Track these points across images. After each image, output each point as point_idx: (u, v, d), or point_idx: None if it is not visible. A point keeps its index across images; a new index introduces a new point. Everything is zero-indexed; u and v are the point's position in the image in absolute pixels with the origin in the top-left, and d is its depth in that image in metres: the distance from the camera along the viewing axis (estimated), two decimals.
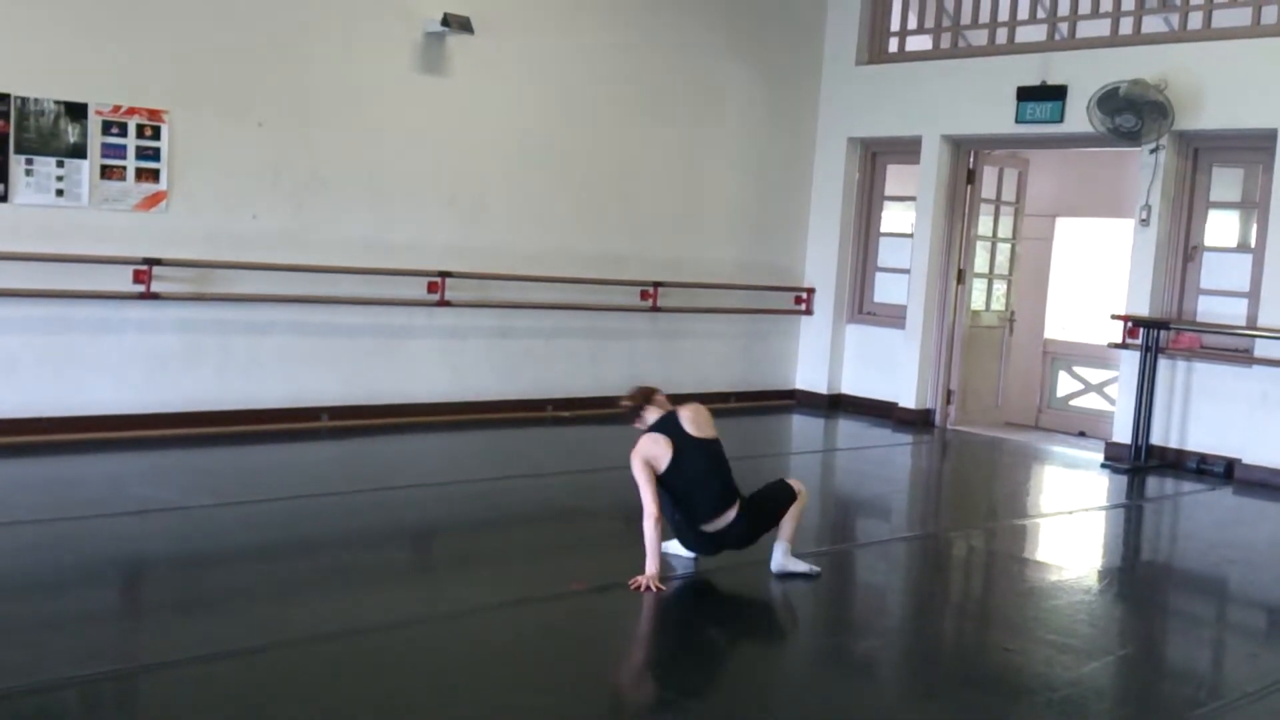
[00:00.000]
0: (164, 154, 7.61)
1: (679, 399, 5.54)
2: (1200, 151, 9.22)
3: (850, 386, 11.28)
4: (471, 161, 9.08)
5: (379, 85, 8.54)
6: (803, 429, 10.50)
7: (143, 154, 7.55)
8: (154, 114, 7.57)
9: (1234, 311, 8.99)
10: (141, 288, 7.53)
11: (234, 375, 8.06)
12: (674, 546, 5.42)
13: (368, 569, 5.38)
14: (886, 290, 11.18)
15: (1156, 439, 9.15)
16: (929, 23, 10.93)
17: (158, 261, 7.57)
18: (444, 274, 8.83)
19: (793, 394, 11.47)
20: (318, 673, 4.09)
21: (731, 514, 5.25)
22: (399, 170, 8.71)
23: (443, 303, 8.86)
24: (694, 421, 5.26)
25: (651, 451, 5.13)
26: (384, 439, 8.33)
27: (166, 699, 3.85)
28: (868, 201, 11.32)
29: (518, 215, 9.38)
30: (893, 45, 11.06)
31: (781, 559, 5.39)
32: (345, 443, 8.11)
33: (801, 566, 5.43)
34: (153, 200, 7.62)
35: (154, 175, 7.60)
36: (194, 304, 7.83)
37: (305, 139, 8.23)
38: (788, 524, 5.41)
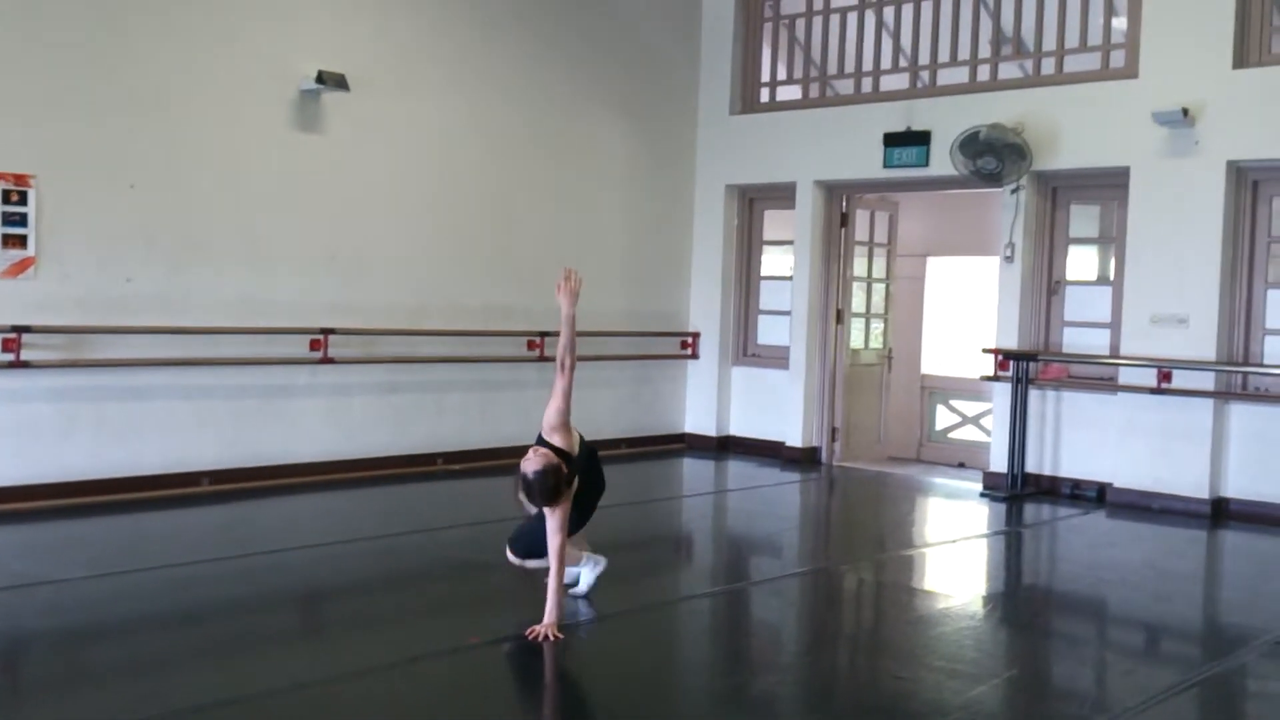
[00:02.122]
0: (31, 219, 7.41)
1: None
2: (1059, 190, 9.66)
3: (738, 428, 11.45)
4: (351, 218, 9.03)
5: (254, 143, 8.45)
6: (693, 471, 10.61)
7: (9, 220, 7.33)
8: (20, 179, 7.37)
9: (1097, 342, 9.40)
10: (11, 356, 7.29)
11: (110, 442, 7.83)
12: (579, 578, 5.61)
13: (258, 635, 5.27)
14: (769, 332, 11.41)
15: (1031, 467, 9.49)
16: (798, 73, 11.28)
17: (27, 329, 7.34)
18: (326, 331, 8.74)
19: (682, 437, 11.59)
20: None
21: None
22: (277, 228, 8.61)
23: (326, 360, 8.76)
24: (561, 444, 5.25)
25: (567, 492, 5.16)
26: (269, 501, 8.16)
27: None
28: (747, 246, 11.56)
29: (400, 270, 9.34)
30: (764, 95, 11.36)
31: (577, 574, 5.62)
32: (228, 506, 7.92)
33: (588, 574, 5.64)
34: (20, 266, 7.40)
35: (21, 241, 7.39)
36: (67, 371, 7.60)
37: (180, 199, 8.09)
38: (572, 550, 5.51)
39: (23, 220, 7.38)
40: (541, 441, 5.19)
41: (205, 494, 8.13)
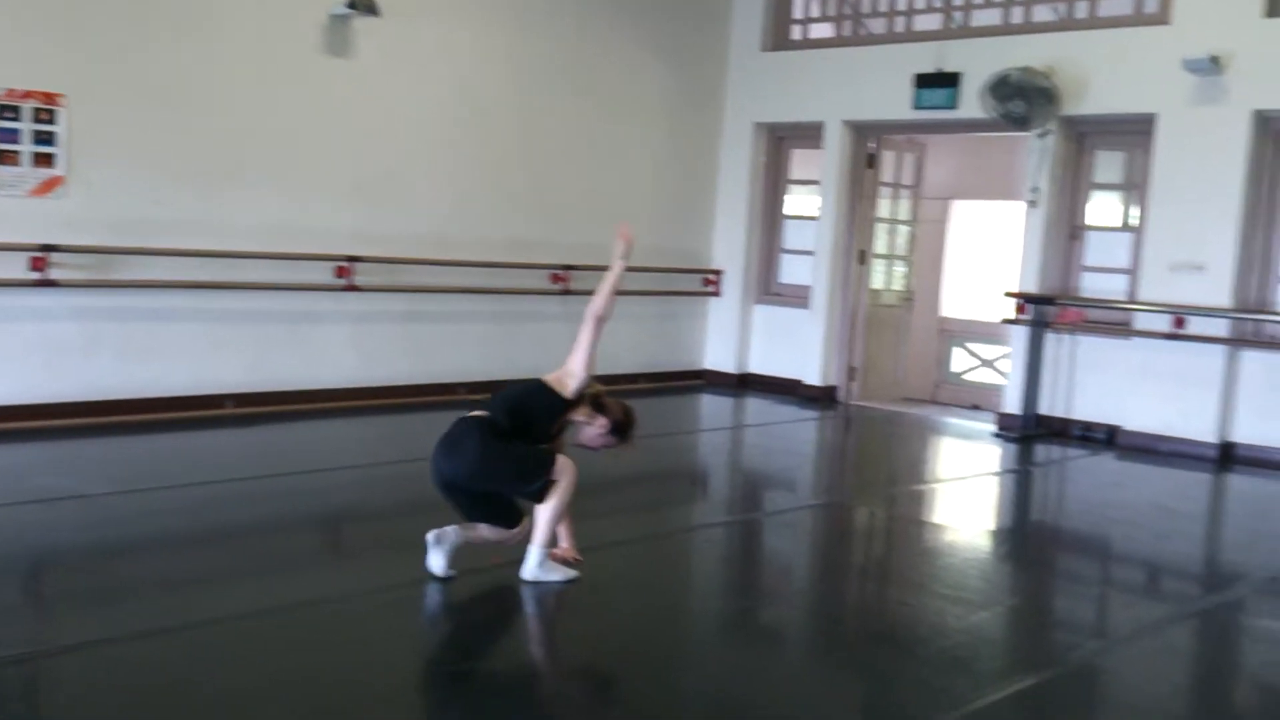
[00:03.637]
0: (61, 138, 7.50)
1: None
2: (1085, 135, 9.65)
3: (758, 365, 11.56)
4: (379, 145, 9.11)
5: (283, 68, 8.51)
6: (712, 407, 10.74)
7: (39, 138, 7.43)
8: (49, 97, 7.46)
9: (1115, 287, 9.45)
10: (38, 275, 7.42)
11: (135, 363, 7.97)
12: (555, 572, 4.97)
13: (280, 553, 5.40)
14: (792, 271, 11.47)
15: (1044, 409, 9.59)
16: (830, 11, 11.23)
17: (55, 248, 7.45)
18: (352, 258, 8.86)
19: (702, 374, 11.71)
20: (238, 649, 4.12)
21: (470, 414, 4.82)
22: (305, 154, 8.70)
23: (351, 287, 8.89)
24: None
25: None
26: (291, 425, 8.31)
27: (82, 680, 3.84)
28: (774, 185, 11.59)
29: (427, 199, 9.43)
30: (796, 33, 11.33)
31: (533, 565, 4.84)
32: (251, 430, 8.08)
33: (557, 575, 4.88)
34: (49, 185, 7.51)
35: (50, 160, 7.49)
36: (93, 291, 7.72)
37: (209, 123, 8.17)
38: (539, 523, 4.82)
39: (51, 139, 7.48)
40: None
41: (228, 416, 8.31)
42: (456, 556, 4.86)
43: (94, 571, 4.98)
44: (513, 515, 4.92)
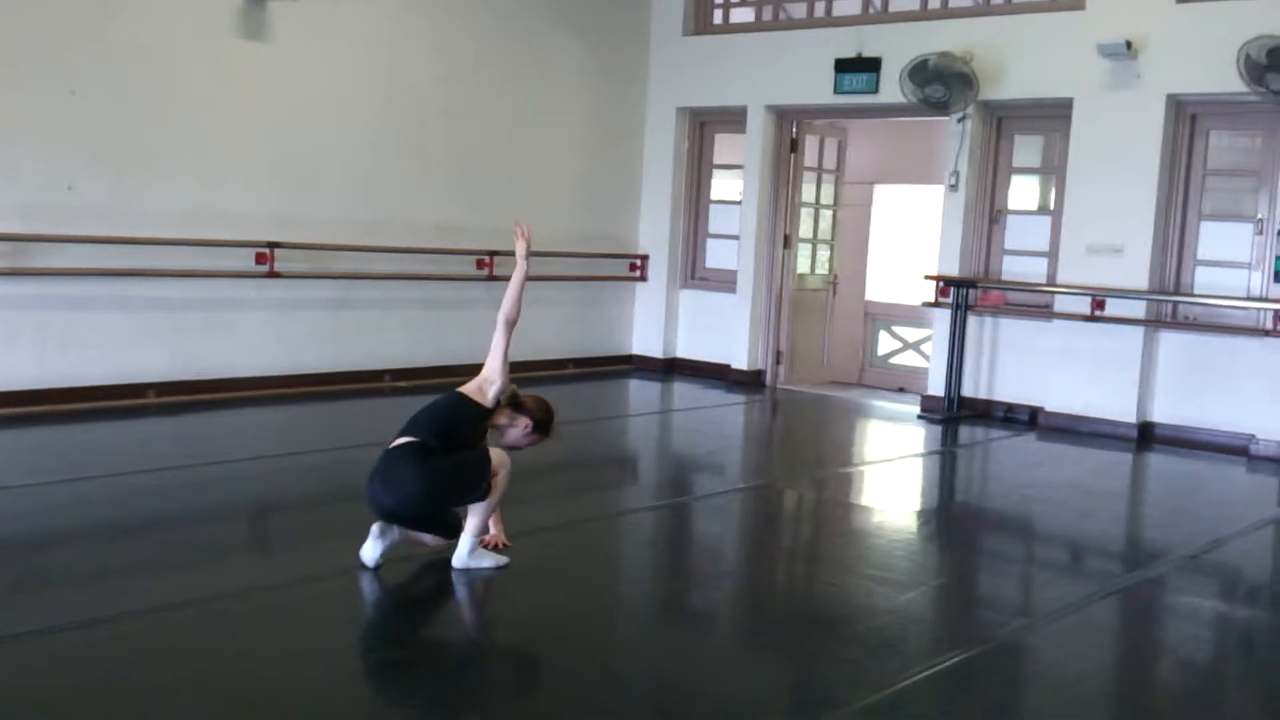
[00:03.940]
0: None
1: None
2: (1003, 120, 9.79)
3: (685, 350, 11.59)
4: (298, 130, 8.95)
5: (198, 51, 8.32)
6: (640, 392, 10.75)
7: None
8: None
9: (1035, 270, 9.61)
10: None
11: (54, 352, 7.79)
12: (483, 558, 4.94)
13: (207, 543, 5.34)
14: (717, 256, 11.51)
15: (967, 391, 9.73)
16: None
17: None
18: (273, 245, 8.70)
19: (629, 359, 11.71)
20: (169, 639, 4.09)
21: (395, 443, 4.78)
22: (223, 139, 8.52)
23: (272, 274, 8.73)
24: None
25: None
26: (214, 414, 8.18)
27: (11, 672, 3.79)
28: (697, 170, 11.61)
29: (349, 185, 9.30)
30: (717, 17, 11.33)
31: (464, 554, 4.83)
32: (174, 419, 7.95)
33: (487, 562, 4.88)
34: None
35: None
36: (9, 279, 7.53)
37: (122, 107, 7.97)
38: (473, 512, 4.85)
39: None
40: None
41: (151, 405, 8.15)
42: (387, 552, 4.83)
43: (18, 563, 4.89)
44: (456, 526, 4.88)
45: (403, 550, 4.89)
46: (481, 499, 4.83)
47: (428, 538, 4.91)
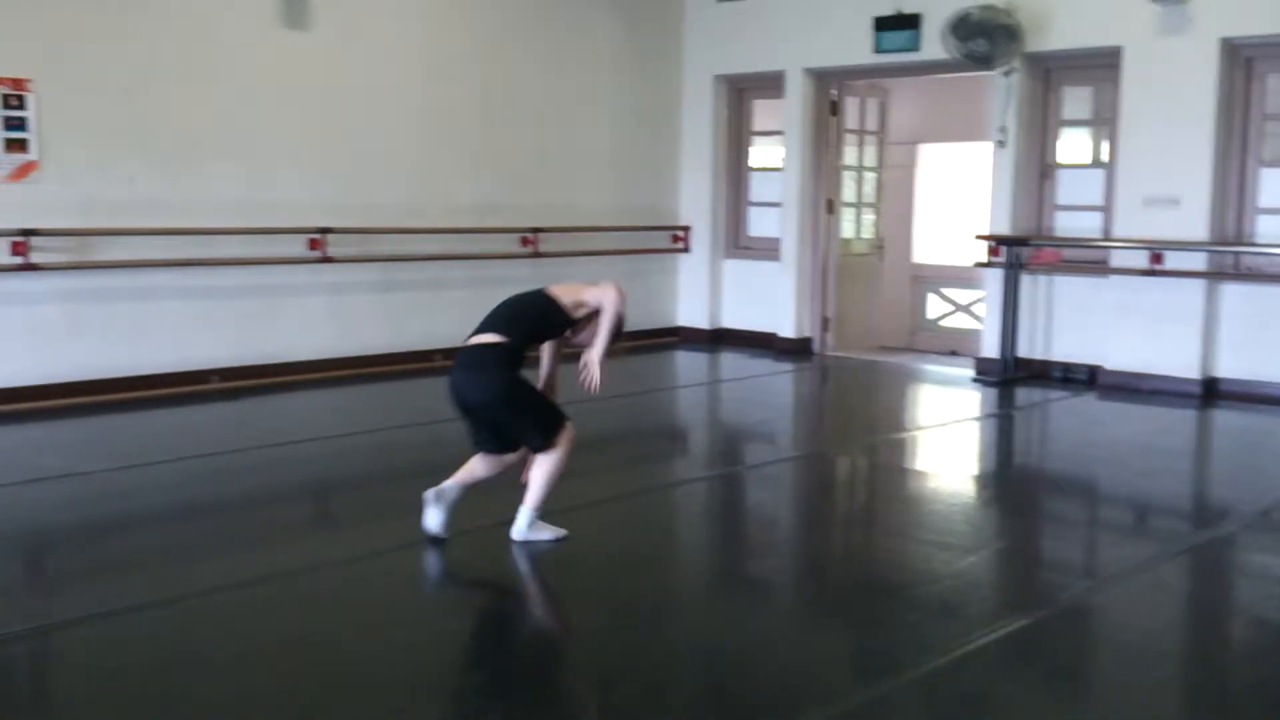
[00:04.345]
0: (32, 123, 7.43)
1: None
2: (1051, 72, 9.60)
3: (731, 320, 11.53)
4: (344, 116, 9.00)
5: (243, 42, 8.40)
6: (687, 364, 10.72)
7: (10, 124, 7.37)
8: (18, 83, 7.38)
9: (1090, 225, 9.44)
10: (20, 259, 7.39)
11: (119, 342, 7.96)
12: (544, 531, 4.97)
13: (271, 523, 5.44)
14: (760, 224, 11.42)
15: (1023, 352, 9.60)
16: None
17: (34, 232, 7.42)
18: (324, 230, 8.77)
19: (676, 330, 11.68)
20: (236, 616, 4.18)
21: (474, 339, 4.80)
22: (271, 128, 8.60)
23: (325, 259, 8.81)
24: (559, 287, 4.99)
25: None
26: (275, 397, 8.29)
27: (85, 651, 3.91)
28: (737, 138, 11.51)
29: (394, 169, 9.34)
30: None
31: (523, 527, 4.86)
32: (237, 403, 8.08)
33: (546, 534, 4.91)
34: (24, 170, 7.45)
35: (23, 145, 7.43)
36: (73, 273, 7.70)
37: (174, 100, 8.09)
38: (533, 485, 4.84)
39: (23, 124, 7.42)
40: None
41: (213, 391, 8.27)
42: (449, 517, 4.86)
43: (92, 547, 5.02)
44: (513, 443, 4.88)
45: (462, 524, 4.91)
46: (541, 448, 4.79)
47: (479, 467, 4.88)
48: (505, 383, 4.71)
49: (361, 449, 6.93)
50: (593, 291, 4.87)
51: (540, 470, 4.82)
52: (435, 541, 4.84)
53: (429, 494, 4.85)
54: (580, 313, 4.86)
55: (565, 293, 4.89)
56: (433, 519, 4.84)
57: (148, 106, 7.96)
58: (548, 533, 4.92)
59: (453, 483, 4.90)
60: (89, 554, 4.94)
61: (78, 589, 4.51)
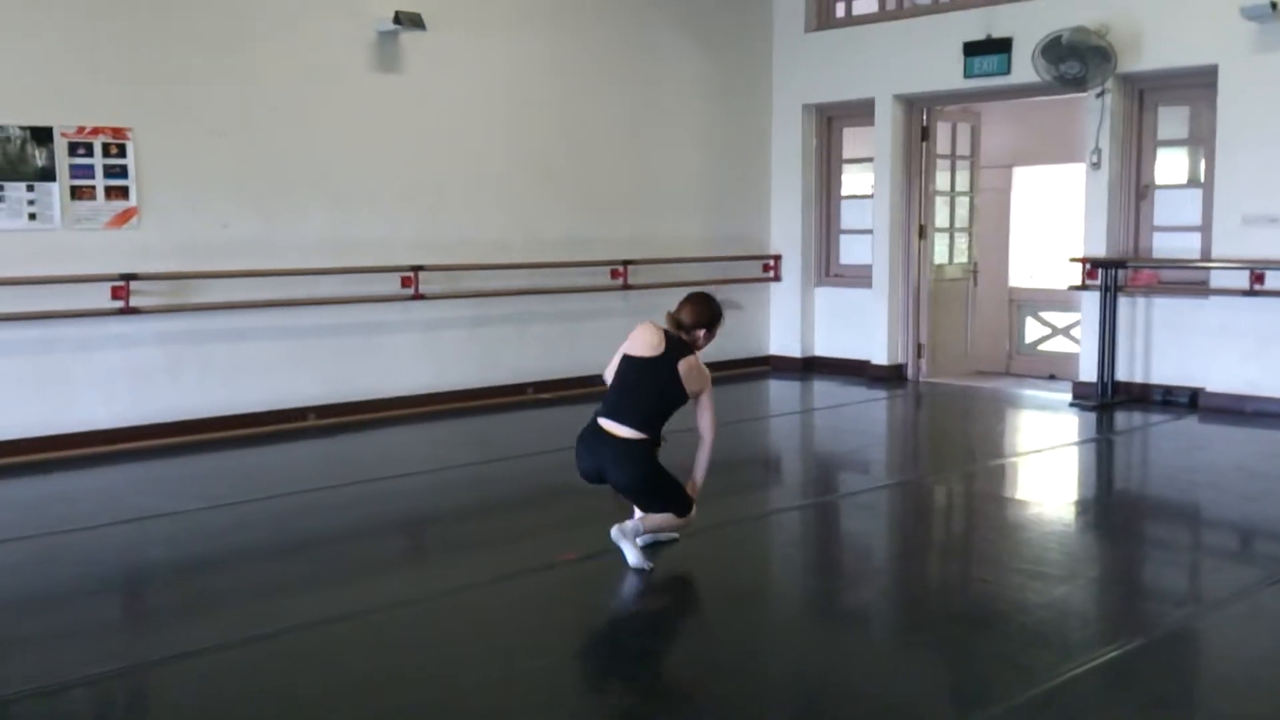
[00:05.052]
0: (131, 171, 7.71)
1: None
2: (1145, 92, 9.44)
3: (823, 348, 11.49)
4: (433, 156, 9.21)
5: (335, 86, 8.64)
6: (779, 392, 10.70)
7: (110, 172, 7.65)
8: (118, 132, 7.67)
9: (1188, 246, 9.23)
10: (120, 303, 7.65)
11: (216, 383, 8.19)
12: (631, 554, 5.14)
13: (365, 558, 5.53)
14: (851, 251, 11.38)
15: (1122, 375, 9.40)
16: None
17: (134, 276, 7.69)
18: (416, 268, 8.97)
19: (767, 359, 11.67)
20: (327, 652, 4.27)
21: (619, 429, 5.09)
22: (362, 169, 8.82)
23: (417, 296, 9.00)
24: (635, 339, 5.29)
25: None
26: (370, 434, 8.47)
27: (181, 688, 4.01)
28: (827, 166, 11.51)
29: (482, 204, 9.51)
30: (839, 10, 11.22)
31: (630, 531, 5.11)
32: (332, 440, 8.25)
33: (634, 554, 5.05)
34: (124, 217, 7.73)
35: (123, 192, 7.71)
36: (172, 316, 7.95)
37: (267, 145, 8.33)
38: (655, 518, 5.19)
39: (123, 172, 7.70)
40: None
41: (310, 428, 8.47)
42: (535, 555, 4.93)
43: (189, 584, 5.15)
44: (686, 502, 5.25)
45: (572, 551, 4.96)
46: (680, 515, 5.20)
47: (657, 518, 5.17)
48: (649, 473, 5.11)
49: (455, 483, 7.05)
50: (704, 400, 5.27)
51: (666, 517, 5.18)
52: (639, 572, 5.00)
53: (614, 532, 5.10)
54: (699, 405, 5.25)
55: (687, 378, 5.14)
56: (631, 556, 5.03)
57: (243, 150, 8.21)
58: (635, 555, 5.03)
59: (632, 522, 5.16)
60: (184, 591, 5.05)
61: (173, 626, 4.62)
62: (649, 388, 5.13)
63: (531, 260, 9.69)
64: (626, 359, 5.24)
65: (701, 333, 5.32)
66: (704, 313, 5.33)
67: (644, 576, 4.94)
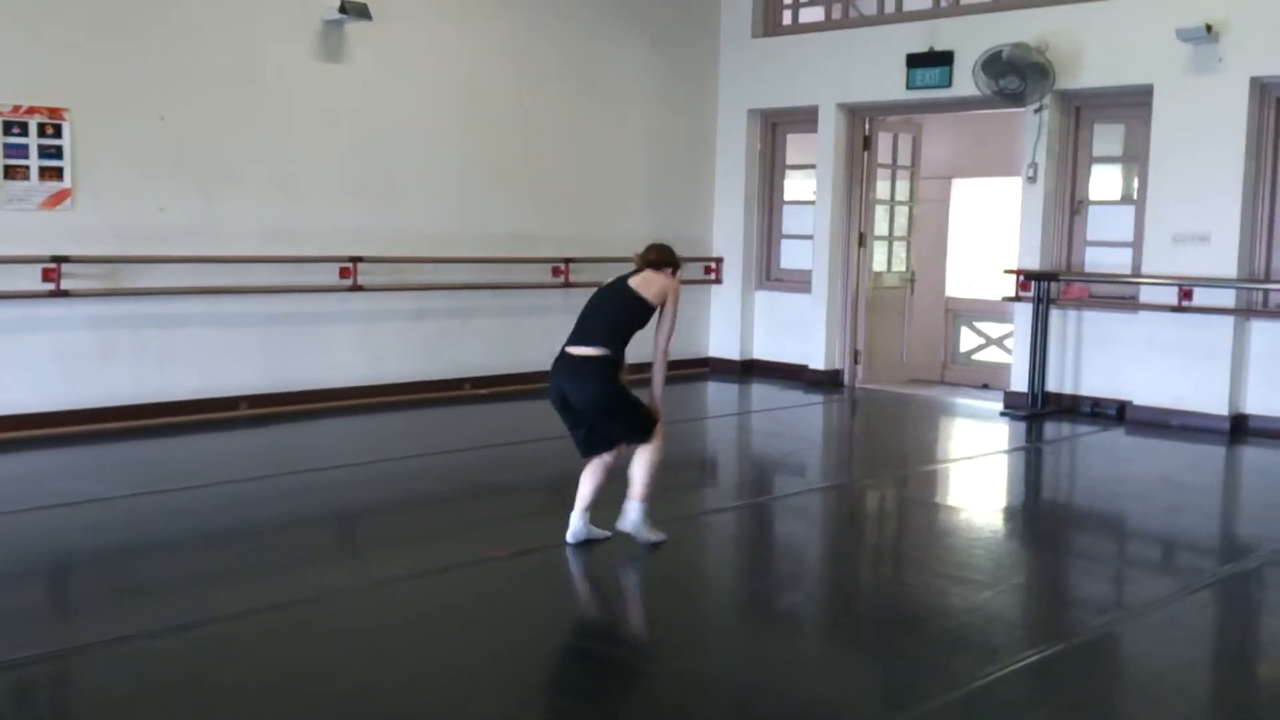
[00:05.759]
0: (67, 151, 7.58)
1: None
2: (1082, 109, 9.63)
3: (762, 351, 11.58)
4: (377, 147, 9.15)
5: (279, 74, 8.56)
6: (718, 394, 10.76)
7: (45, 152, 7.52)
8: (54, 112, 7.53)
9: (1119, 261, 9.43)
10: (51, 286, 7.51)
11: (149, 369, 8.07)
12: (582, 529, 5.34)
13: (294, 549, 5.50)
14: (792, 256, 11.48)
15: (1052, 386, 9.58)
16: None
17: (65, 259, 7.55)
18: (355, 259, 8.90)
19: (706, 361, 11.73)
20: (254, 643, 4.24)
21: (580, 349, 5.16)
22: (305, 158, 8.74)
23: (355, 287, 8.94)
24: (638, 278, 5.34)
25: None
26: (303, 425, 8.39)
27: (106, 674, 3.97)
28: (770, 171, 11.59)
29: (426, 198, 9.47)
30: (786, 17, 11.31)
31: (635, 519, 5.28)
32: (264, 430, 8.17)
33: (652, 536, 5.30)
34: (58, 198, 7.59)
35: (58, 173, 7.58)
36: (105, 299, 7.82)
37: (208, 130, 8.23)
38: (637, 478, 5.26)
39: (58, 153, 7.56)
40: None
41: (243, 417, 8.38)
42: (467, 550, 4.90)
43: (116, 571, 5.10)
44: (611, 443, 5.29)
45: (504, 546, 4.96)
46: (644, 441, 5.24)
47: (588, 483, 5.26)
48: (608, 392, 5.15)
49: (388, 477, 7.00)
50: (665, 310, 5.32)
51: (641, 464, 5.22)
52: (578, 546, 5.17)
53: (568, 536, 5.24)
54: (662, 313, 5.30)
55: (644, 286, 5.25)
56: (576, 532, 5.23)
57: (183, 135, 8.10)
58: (654, 536, 5.28)
59: (577, 519, 5.26)
60: (110, 579, 5.01)
61: (98, 613, 4.58)
62: (609, 306, 5.27)
63: (474, 255, 9.66)
64: (594, 292, 5.41)
65: (669, 270, 5.42)
66: (670, 252, 5.46)
67: (574, 575, 4.95)
